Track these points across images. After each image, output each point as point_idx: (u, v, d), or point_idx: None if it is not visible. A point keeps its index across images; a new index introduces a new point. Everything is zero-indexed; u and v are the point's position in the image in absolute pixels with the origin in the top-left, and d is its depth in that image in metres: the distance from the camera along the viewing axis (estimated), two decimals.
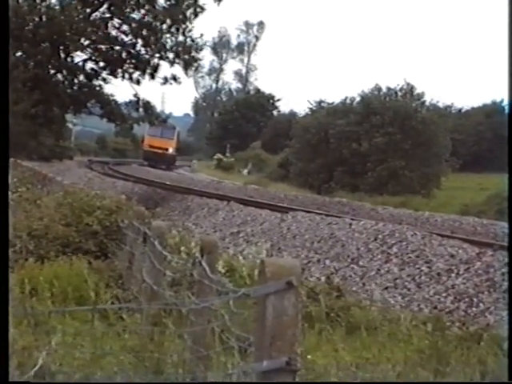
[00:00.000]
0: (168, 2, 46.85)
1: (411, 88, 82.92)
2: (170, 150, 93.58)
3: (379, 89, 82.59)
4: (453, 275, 19.72)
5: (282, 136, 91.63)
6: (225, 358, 5.84)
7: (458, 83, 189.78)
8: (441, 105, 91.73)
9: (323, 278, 16.11)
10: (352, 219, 26.37)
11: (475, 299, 18.10)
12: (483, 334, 13.22)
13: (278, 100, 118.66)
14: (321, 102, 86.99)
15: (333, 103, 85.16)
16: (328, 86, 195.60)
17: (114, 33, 47.55)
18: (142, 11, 46.88)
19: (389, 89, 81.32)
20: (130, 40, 47.28)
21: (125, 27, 47.24)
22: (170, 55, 46.99)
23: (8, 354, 4.40)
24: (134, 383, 4.58)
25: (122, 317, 8.30)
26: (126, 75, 47.73)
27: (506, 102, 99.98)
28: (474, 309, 17.56)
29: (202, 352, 6.52)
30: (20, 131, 41.29)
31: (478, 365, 10.65)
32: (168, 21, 46.38)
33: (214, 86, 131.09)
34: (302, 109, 79.28)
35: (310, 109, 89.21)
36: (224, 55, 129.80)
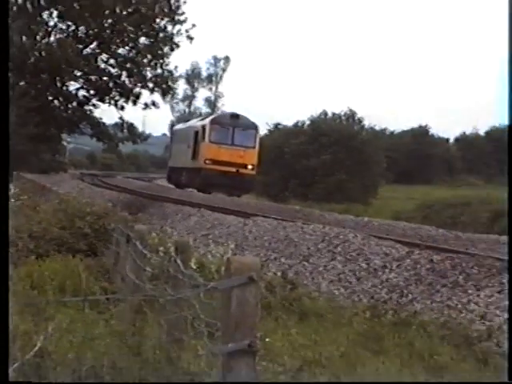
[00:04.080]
0: (148, 40, 47.28)
1: (353, 113, 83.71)
2: (250, 167, 50.22)
3: (326, 114, 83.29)
4: (387, 270, 19.78)
5: None
6: (196, 341, 5.83)
7: (391, 110, 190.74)
8: (377, 128, 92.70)
9: (279, 273, 16.12)
10: (303, 223, 26.39)
11: (405, 291, 18.15)
12: (411, 320, 13.28)
13: None
14: (277, 124, 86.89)
15: (286, 126, 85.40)
16: (283, 112, 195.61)
17: (102, 66, 47.98)
18: (127, 48, 47.48)
19: (334, 114, 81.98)
20: (116, 72, 47.78)
21: (112, 61, 47.80)
22: (150, 85, 47.63)
23: (8, 354, 4.31)
24: (135, 383, 4.50)
25: (109, 307, 8.27)
26: (113, 101, 48.16)
27: (429, 127, 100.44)
28: (404, 299, 17.61)
29: (177, 336, 6.50)
30: (24, 149, 41.42)
31: (408, 345, 10.71)
32: (148, 56, 47.13)
33: (187, 110, 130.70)
34: (261, 130, 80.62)
35: (269, 130, 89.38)
36: (195, 84, 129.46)
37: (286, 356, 7.13)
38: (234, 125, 50.39)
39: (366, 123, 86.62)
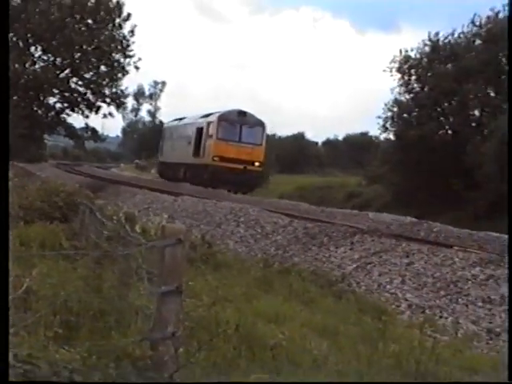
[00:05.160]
0: (107, 68, 48.26)
1: None
2: (256, 164, 38.37)
3: None
4: (275, 234, 19.91)
5: None
6: (139, 284, 5.80)
7: (279, 120, 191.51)
8: (269, 133, 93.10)
9: (199, 236, 16.07)
10: (217, 201, 26.40)
11: (287, 248, 18.31)
12: (291, 269, 13.40)
13: None
14: None
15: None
16: None
17: (73, 86, 48.61)
18: (91, 73, 48.20)
19: None
20: (83, 90, 48.69)
21: (80, 83, 48.66)
22: (108, 100, 48.65)
23: (8, 354, 4.06)
24: (135, 383, 4.42)
25: (77, 259, 8.15)
26: (81, 111, 49.08)
27: (304, 133, 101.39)
28: (286, 254, 17.76)
29: (125, 280, 6.45)
30: (16, 145, 41.08)
31: (288, 286, 10.80)
32: (107, 79, 48.15)
33: (134, 118, 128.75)
34: None
35: None
36: (140, 100, 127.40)
37: (203, 295, 7.13)
38: (242, 122, 37.86)
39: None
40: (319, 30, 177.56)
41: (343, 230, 18.79)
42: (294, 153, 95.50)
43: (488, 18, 44.28)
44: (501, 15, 43.51)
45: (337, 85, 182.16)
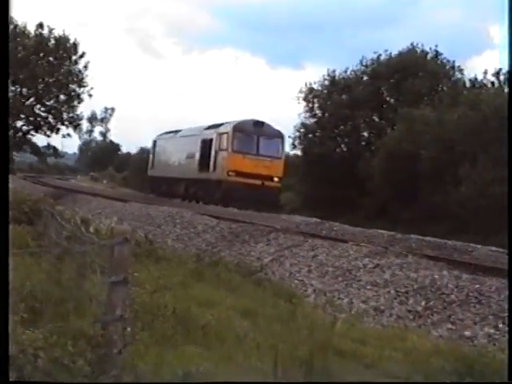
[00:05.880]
0: (65, 97, 48.41)
1: None
2: (276, 180, 28.34)
3: None
4: (206, 233, 19.87)
5: (123, 164, 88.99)
6: (93, 275, 5.71)
7: None
8: None
9: (143, 235, 15.86)
10: (158, 206, 26.17)
11: (215, 245, 18.29)
12: (219, 261, 13.38)
13: (121, 146, 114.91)
14: (142, 148, 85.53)
15: (146, 146, 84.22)
16: (146, 140, 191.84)
17: (37, 111, 48.59)
18: (52, 101, 48.54)
19: None
20: (46, 115, 49.05)
21: (43, 109, 48.84)
22: (66, 123, 49.34)
23: (8, 354, 3.85)
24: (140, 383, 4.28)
25: (40, 255, 7.94)
26: (43, 133, 49.43)
27: None
28: (215, 249, 17.74)
29: (81, 272, 6.34)
30: None
31: (216, 276, 10.80)
32: (65, 106, 48.78)
33: (88, 138, 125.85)
34: (135, 151, 77.10)
35: (138, 152, 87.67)
36: (94, 123, 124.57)
37: (147, 284, 7.07)
38: (259, 133, 28.75)
39: None
40: (240, 66, 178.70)
41: (261, 229, 18.90)
42: None
43: (372, 59, 45.78)
44: (382, 57, 44.96)
45: (255, 110, 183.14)
